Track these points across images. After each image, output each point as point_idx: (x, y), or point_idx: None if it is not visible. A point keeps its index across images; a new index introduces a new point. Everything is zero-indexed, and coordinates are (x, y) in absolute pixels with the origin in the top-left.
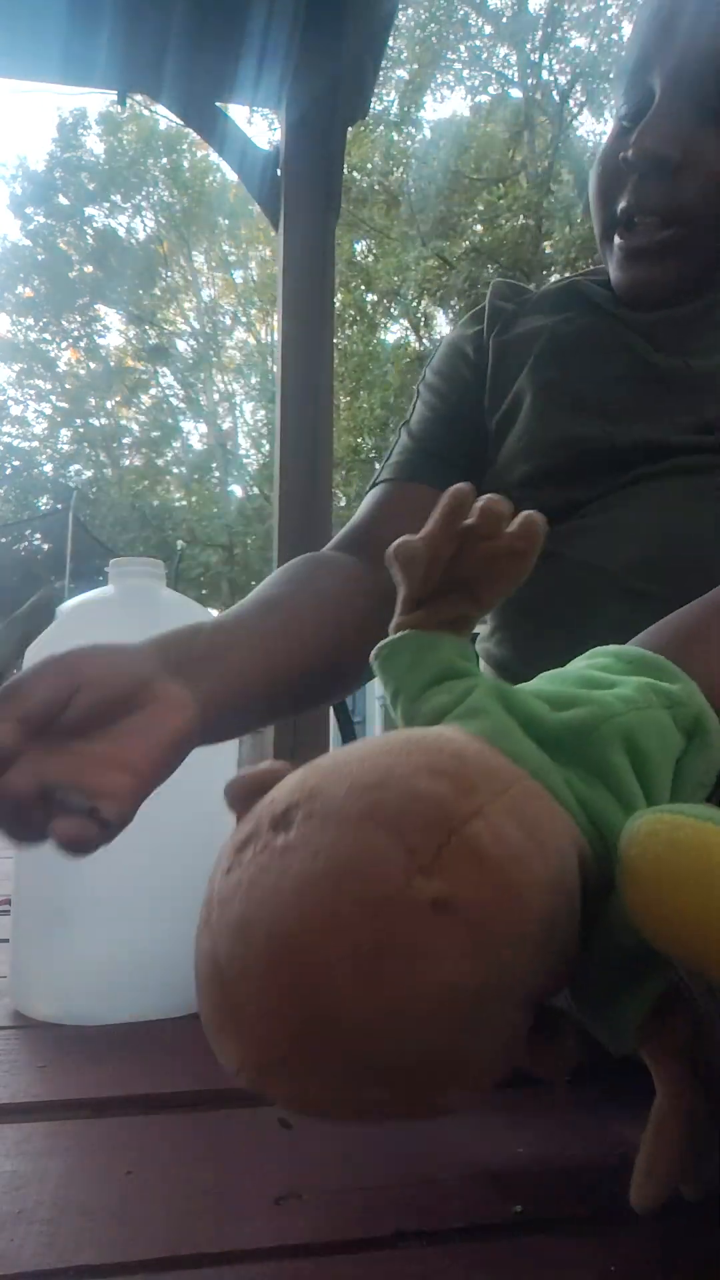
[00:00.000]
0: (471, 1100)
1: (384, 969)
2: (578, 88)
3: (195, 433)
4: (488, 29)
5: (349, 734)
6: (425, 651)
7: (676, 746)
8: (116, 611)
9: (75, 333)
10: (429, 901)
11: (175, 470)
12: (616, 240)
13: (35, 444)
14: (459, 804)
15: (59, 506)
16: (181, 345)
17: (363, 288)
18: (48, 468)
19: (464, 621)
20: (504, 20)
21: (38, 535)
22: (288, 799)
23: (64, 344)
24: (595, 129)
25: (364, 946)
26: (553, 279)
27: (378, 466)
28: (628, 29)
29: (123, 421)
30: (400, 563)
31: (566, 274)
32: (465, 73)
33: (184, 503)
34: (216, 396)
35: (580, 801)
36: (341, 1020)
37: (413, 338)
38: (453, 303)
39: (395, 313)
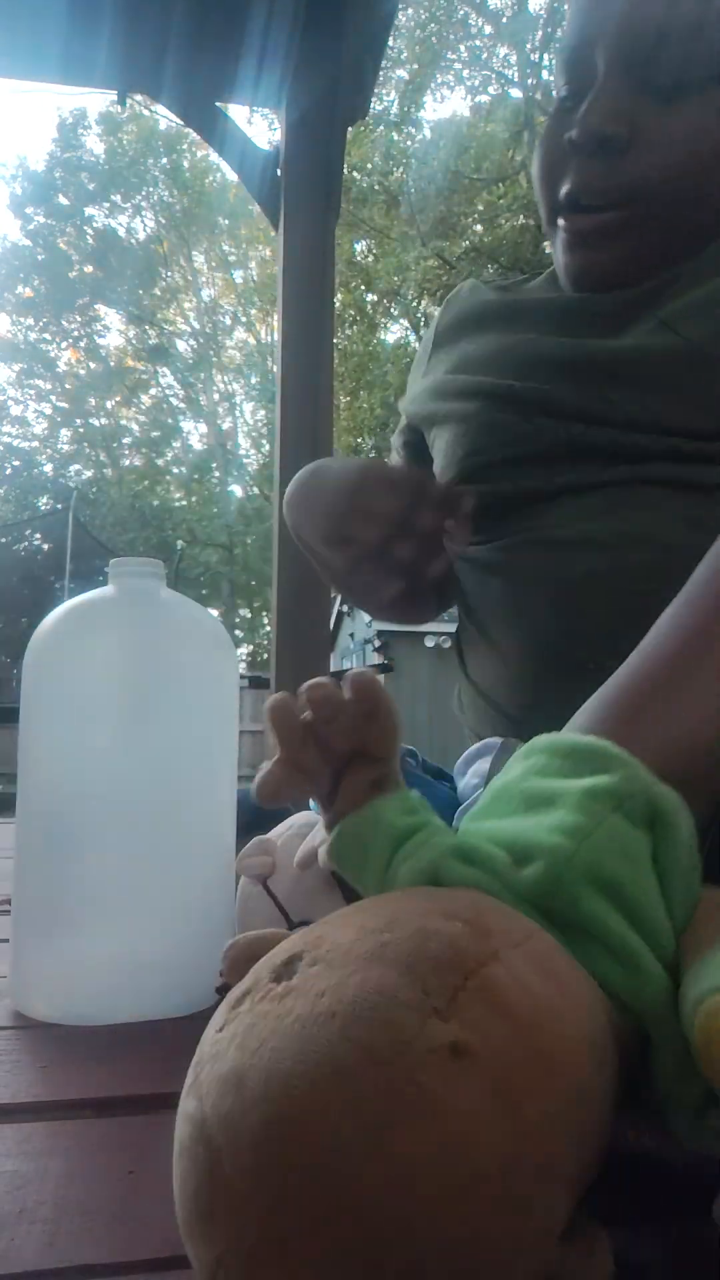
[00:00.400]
0: None
1: (395, 1125)
2: None
3: (195, 433)
4: (488, 29)
5: None
6: (367, 830)
7: (644, 849)
8: (116, 611)
9: (75, 333)
10: (446, 1047)
11: (175, 470)
12: (561, 223)
13: (35, 444)
14: (476, 945)
15: (59, 506)
16: (181, 345)
17: (363, 288)
18: (48, 468)
19: (385, 779)
20: (504, 20)
21: (38, 535)
22: (290, 949)
23: (64, 344)
24: None
25: (372, 1097)
26: None
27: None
28: None
29: (123, 421)
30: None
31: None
32: (465, 73)
33: (184, 502)
34: (216, 396)
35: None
36: (346, 1189)
37: (413, 338)
38: None
39: (395, 313)
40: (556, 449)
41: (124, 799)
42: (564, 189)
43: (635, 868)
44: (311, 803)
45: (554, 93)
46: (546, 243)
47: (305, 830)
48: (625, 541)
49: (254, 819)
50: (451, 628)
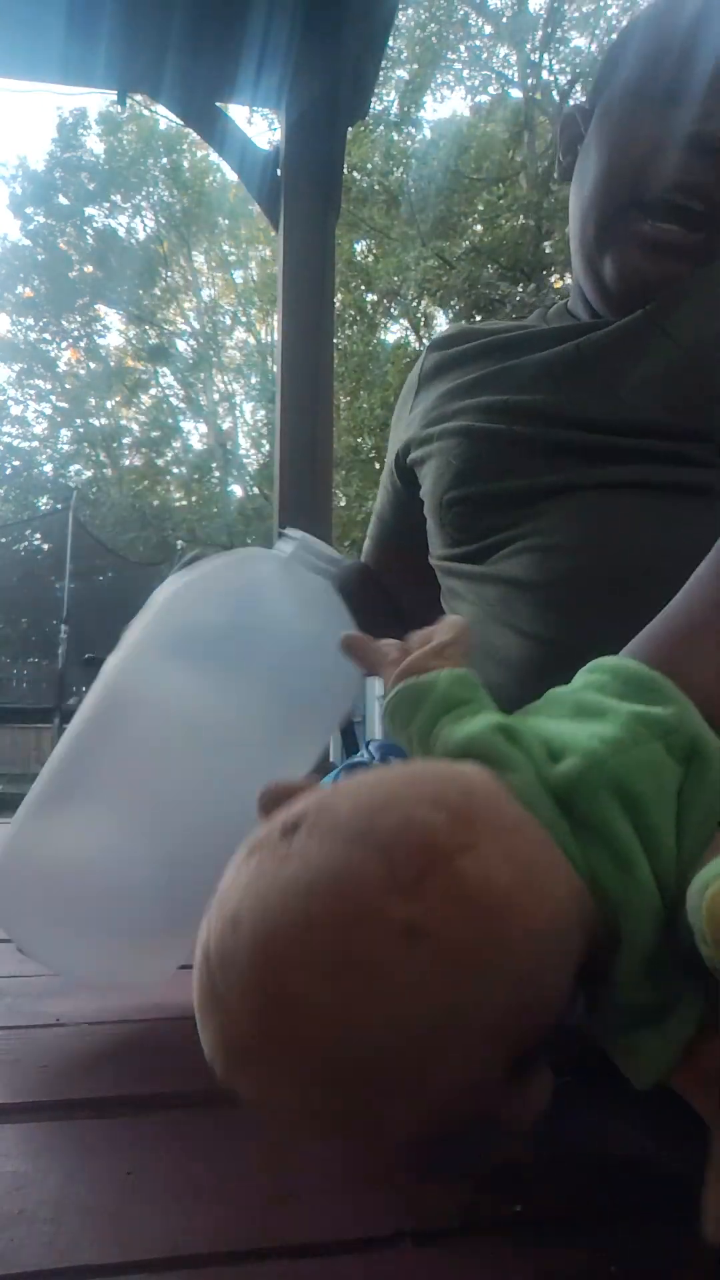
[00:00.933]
0: (438, 1140)
1: (346, 980)
2: (578, 88)
3: (195, 433)
4: (488, 29)
5: (348, 731)
6: (422, 693)
7: (674, 779)
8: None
9: (75, 333)
10: (401, 923)
11: (175, 470)
12: (647, 226)
13: (35, 444)
14: (454, 836)
15: (59, 506)
16: (181, 345)
17: (363, 288)
18: (48, 468)
19: (449, 650)
20: (504, 20)
21: (38, 535)
22: (300, 811)
23: (64, 344)
24: None
25: (330, 956)
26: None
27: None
28: None
29: (123, 421)
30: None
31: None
32: (465, 73)
33: (184, 503)
34: (216, 396)
35: (581, 860)
36: (304, 1021)
37: (413, 338)
38: (453, 303)
39: (395, 313)
40: (542, 455)
41: (203, 741)
42: (660, 189)
43: (659, 791)
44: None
45: (609, 84)
46: (547, 242)
47: None
48: (609, 542)
49: None
50: None
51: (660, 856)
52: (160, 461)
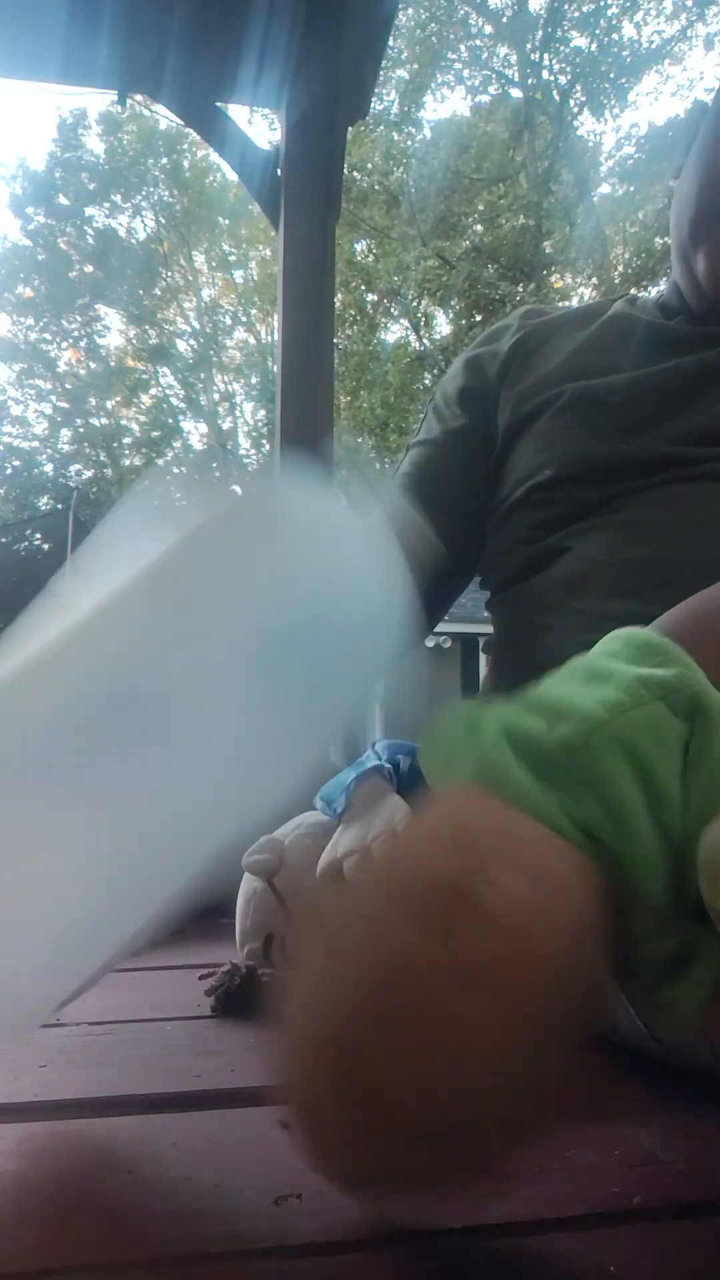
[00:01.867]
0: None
1: (409, 1034)
2: (578, 88)
3: (195, 433)
4: (488, 29)
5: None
6: (459, 715)
7: (678, 737)
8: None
9: (75, 333)
10: (444, 964)
11: (175, 470)
12: None
13: (35, 444)
14: (459, 865)
15: (59, 506)
16: (182, 345)
17: (363, 288)
18: (48, 468)
19: None
20: (504, 20)
21: (38, 535)
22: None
23: (64, 344)
24: (595, 129)
25: (387, 1013)
26: (552, 279)
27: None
28: (628, 29)
29: (123, 421)
30: None
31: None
32: (465, 73)
33: (184, 502)
34: (217, 396)
35: (579, 824)
36: (378, 1086)
37: (413, 338)
38: (453, 302)
39: (395, 313)
40: (635, 457)
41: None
42: None
43: (662, 746)
44: (315, 804)
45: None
46: (547, 242)
47: (315, 830)
48: (684, 526)
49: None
50: (451, 628)
51: (667, 811)
52: (160, 461)
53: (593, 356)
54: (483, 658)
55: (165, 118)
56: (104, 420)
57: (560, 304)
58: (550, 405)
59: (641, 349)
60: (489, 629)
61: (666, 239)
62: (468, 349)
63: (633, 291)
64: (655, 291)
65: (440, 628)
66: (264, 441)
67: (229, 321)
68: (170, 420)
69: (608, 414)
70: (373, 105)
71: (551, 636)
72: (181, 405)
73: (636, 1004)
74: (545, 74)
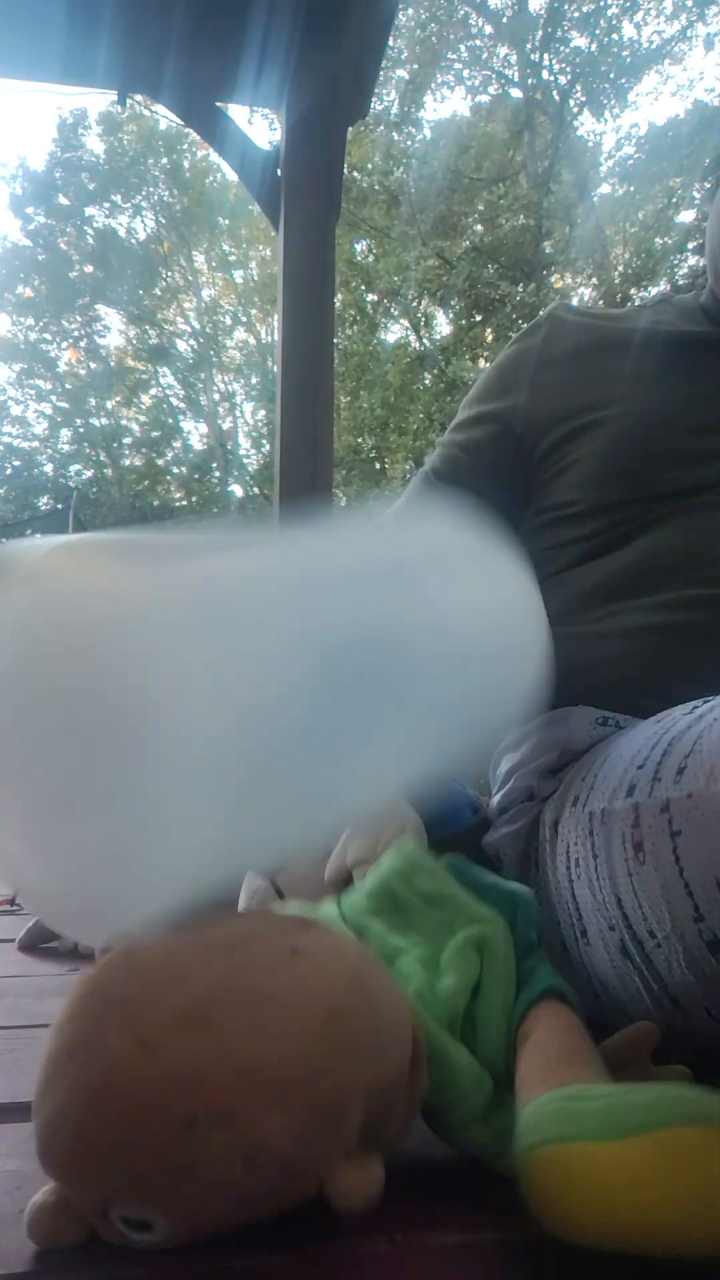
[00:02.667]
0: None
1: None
2: (578, 88)
3: (195, 433)
4: (488, 29)
5: None
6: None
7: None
8: None
9: (75, 333)
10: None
11: (175, 470)
12: None
13: (35, 444)
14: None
15: (59, 506)
16: (182, 345)
17: (363, 288)
18: (48, 468)
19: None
20: (504, 20)
21: (38, 535)
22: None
23: (64, 344)
24: (595, 129)
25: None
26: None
27: (409, 468)
28: (628, 29)
29: (123, 421)
30: None
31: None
32: (465, 73)
33: (184, 503)
34: (217, 396)
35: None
36: (87, 1139)
37: (413, 338)
38: (453, 302)
39: (395, 313)
40: (700, 460)
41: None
42: None
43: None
44: None
45: None
46: (547, 242)
47: None
48: None
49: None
50: None
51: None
52: (160, 461)
53: (635, 387)
54: None
55: (165, 118)
56: (104, 420)
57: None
58: (592, 419)
59: (688, 357)
60: None
61: (666, 239)
62: (506, 348)
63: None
64: (677, 294)
65: None
66: (264, 441)
67: (229, 321)
68: (170, 420)
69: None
70: (373, 105)
71: (611, 622)
72: (181, 405)
73: (443, 1134)
74: (545, 74)
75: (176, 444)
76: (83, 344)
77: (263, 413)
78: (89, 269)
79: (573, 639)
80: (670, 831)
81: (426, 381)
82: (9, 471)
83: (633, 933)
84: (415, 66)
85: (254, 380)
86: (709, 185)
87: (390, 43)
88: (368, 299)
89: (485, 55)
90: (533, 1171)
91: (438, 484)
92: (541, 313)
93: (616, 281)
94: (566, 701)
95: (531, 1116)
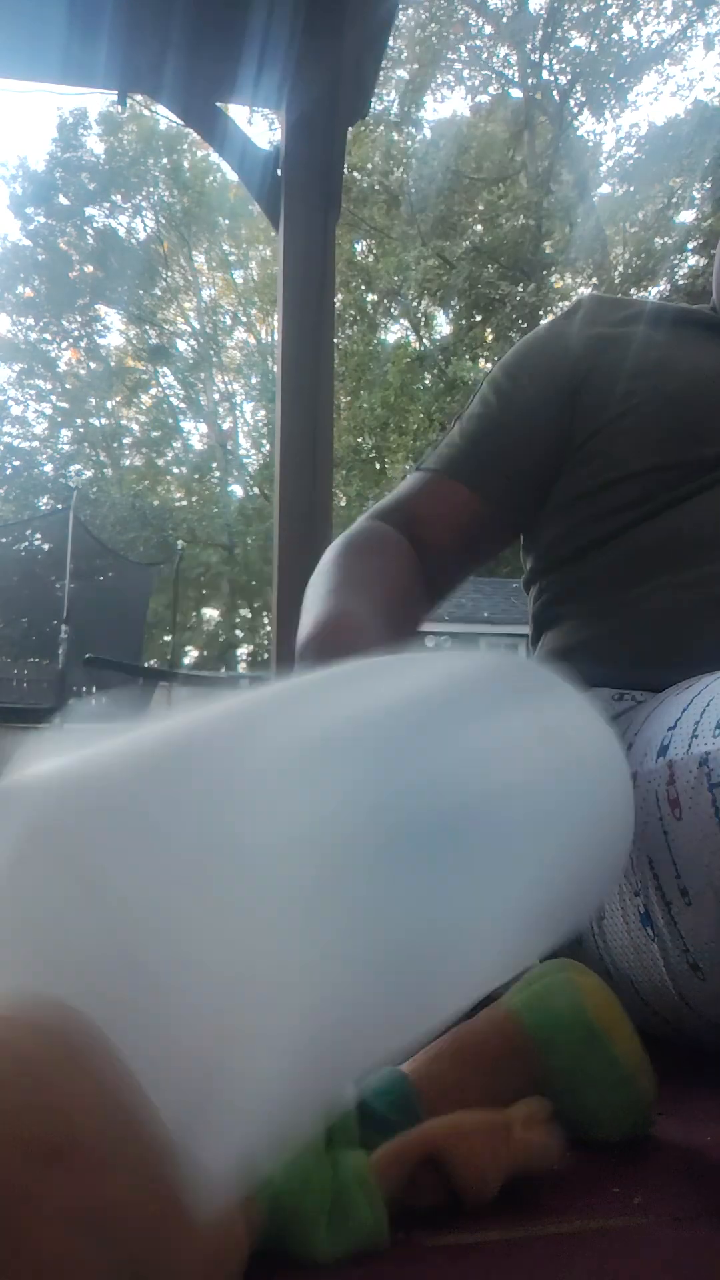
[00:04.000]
0: None
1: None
2: (578, 88)
3: (195, 433)
4: (488, 29)
5: None
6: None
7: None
8: None
9: (75, 333)
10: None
11: (175, 470)
12: None
13: (35, 444)
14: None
15: (59, 506)
16: (182, 345)
17: (363, 288)
18: (48, 468)
19: None
20: (504, 20)
21: (38, 535)
22: None
23: (64, 344)
24: (595, 129)
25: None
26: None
27: (410, 467)
28: (628, 29)
29: (123, 421)
30: None
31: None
32: (465, 73)
33: (184, 502)
34: (217, 396)
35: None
36: None
37: (413, 338)
38: (453, 302)
39: (395, 313)
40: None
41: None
42: None
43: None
44: None
45: None
46: (547, 242)
47: None
48: None
49: None
50: (451, 628)
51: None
52: (160, 461)
53: (675, 354)
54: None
55: (165, 118)
56: (104, 420)
57: (565, 302)
58: (634, 403)
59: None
60: (488, 629)
61: (667, 239)
62: (539, 329)
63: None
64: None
65: (440, 627)
66: (264, 441)
67: (229, 321)
68: (170, 420)
69: (694, 411)
70: (373, 105)
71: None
72: (181, 405)
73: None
74: (545, 74)
75: (176, 444)
76: (83, 344)
77: (263, 413)
78: (89, 269)
79: (612, 614)
80: (710, 784)
81: (426, 381)
82: (9, 471)
83: (661, 894)
84: (415, 66)
85: (254, 380)
86: (709, 185)
87: (390, 43)
88: (368, 299)
89: (485, 55)
90: None
91: (439, 481)
92: (575, 297)
93: (616, 281)
94: (591, 678)
95: None
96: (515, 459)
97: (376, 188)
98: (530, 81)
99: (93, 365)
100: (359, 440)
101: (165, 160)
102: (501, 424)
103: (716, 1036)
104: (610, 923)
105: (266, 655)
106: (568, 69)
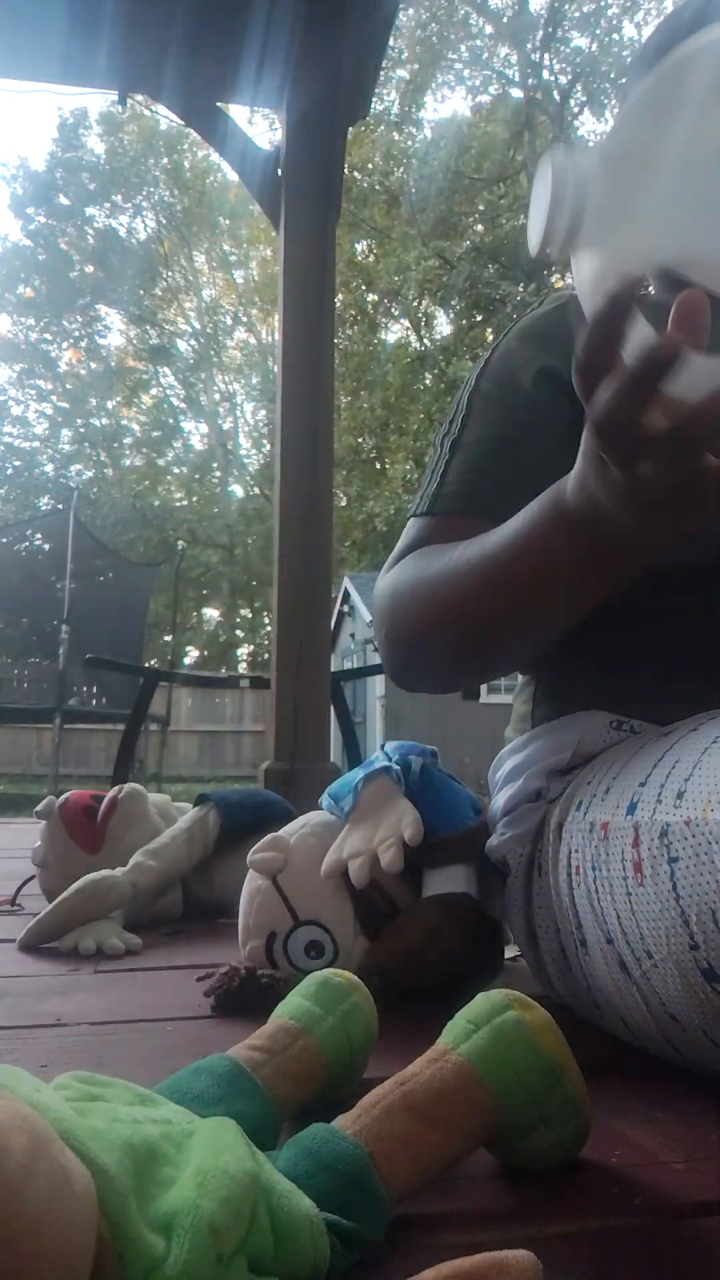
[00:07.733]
0: None
1: None
2: (578, 88)
3: (196, 433)
4: (488, 29)
5: (349, 732)
6: None
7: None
8: None
9: (76, 333)
10: None
11: (176, 470)
12: None
13: (36, 444)
14: None
15: (59, 506)
16: (182, 345)
17: (363, 288)
18: (48, 468)
19: None
20: (504, 20)
21: (38, 535)
22: None
23: (65, 344)
24: (595, 129)
25: None
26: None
27: (416, 493)
28: (628, 29)
29: (123, 421)
30: None
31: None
32: (465, 73)
33: (185, 503)
34: (217, 396)
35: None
36: None
37: (413, 338)
38: (453, 302)
39: (395, 313)
40: None
41: None
42: None
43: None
44: (323, 802)
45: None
46: None
47: (321, 829)
48: None
49: (253, 820)
50: None
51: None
52: (161, 461)
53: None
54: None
55: (165, 118)
56: (104, 420)
57: None
58: None
59: None
60: None
61: None
62: (528, 324)
63: None
64: None
65: None
66: (264, 441)
67: (229, 321)
68: (170, 420)
69: None
70: (373, 105)
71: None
72: (181, 405)
73: None
74: (545, 74)
75: (177, 444)
76: (83, 344)
77: (263, 413)
78: (89, 269)
79: (606, 644)
80: (668, 857)
81: (427, 381)
82: (9, 471)
83: (630, 950)
84: (415, 66)
85: (254, 380)
86: None
87: (390, 43)
88: (368, 299)
89: (486, 55)
90: None
91: (454, 521)
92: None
93: None
94: (584, 705)
95: None
96: (537, 477)
97: (377, 188)
98: (531, 81)
99: (93, 365)
100: (359, 440)
101: (166, 160)
102: (514, 446)
103: (713, 1070)
104: (594, 962)
105: (266, 655)
106: (568, 69)
